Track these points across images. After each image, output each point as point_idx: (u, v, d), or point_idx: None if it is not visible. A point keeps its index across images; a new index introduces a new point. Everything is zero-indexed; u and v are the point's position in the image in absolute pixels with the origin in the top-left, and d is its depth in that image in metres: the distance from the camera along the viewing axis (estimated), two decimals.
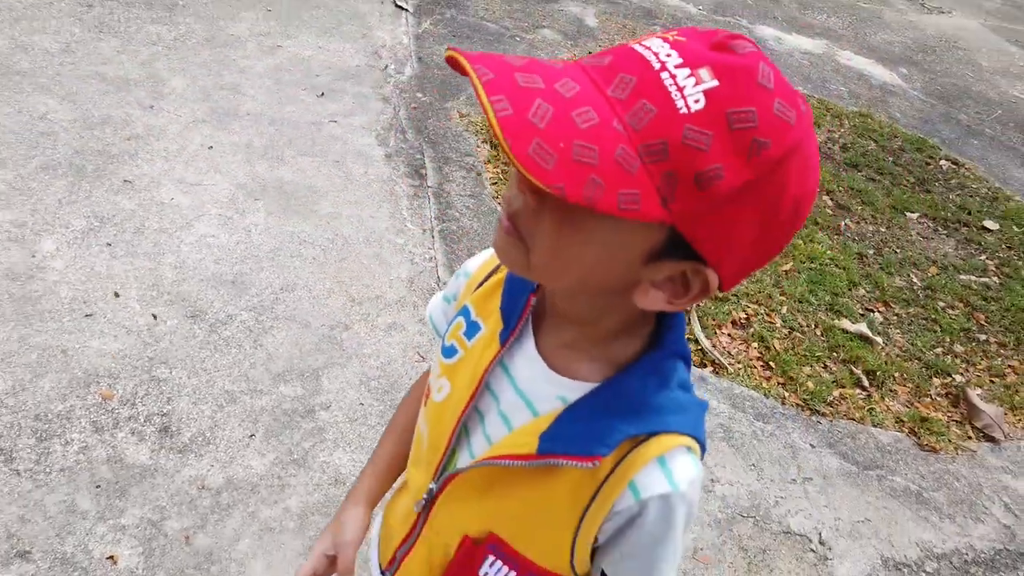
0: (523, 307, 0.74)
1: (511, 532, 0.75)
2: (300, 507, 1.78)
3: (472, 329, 0.80)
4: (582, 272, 0.62)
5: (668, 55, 0.54)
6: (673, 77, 0.53)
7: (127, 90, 2.95)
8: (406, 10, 4.08)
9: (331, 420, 1.99)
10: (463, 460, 0.78)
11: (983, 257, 3.44)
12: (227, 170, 2.71)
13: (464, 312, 0.82)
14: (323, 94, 3.24)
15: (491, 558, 0.76)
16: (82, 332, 2.04)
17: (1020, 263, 3.45)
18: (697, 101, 0.52)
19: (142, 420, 1.87)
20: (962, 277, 3.27)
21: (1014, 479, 2.39)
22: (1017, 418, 2.63)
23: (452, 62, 0.55)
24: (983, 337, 2.96)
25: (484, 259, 0.85)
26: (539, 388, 0.72)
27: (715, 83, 0.53)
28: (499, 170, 3.07)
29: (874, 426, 2.45)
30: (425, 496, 0.81)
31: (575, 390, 0.70)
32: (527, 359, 0.74)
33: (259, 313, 2.23)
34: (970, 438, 2.50)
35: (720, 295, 2.78)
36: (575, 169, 0.51)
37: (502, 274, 0.80)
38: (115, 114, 2.81)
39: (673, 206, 0.54)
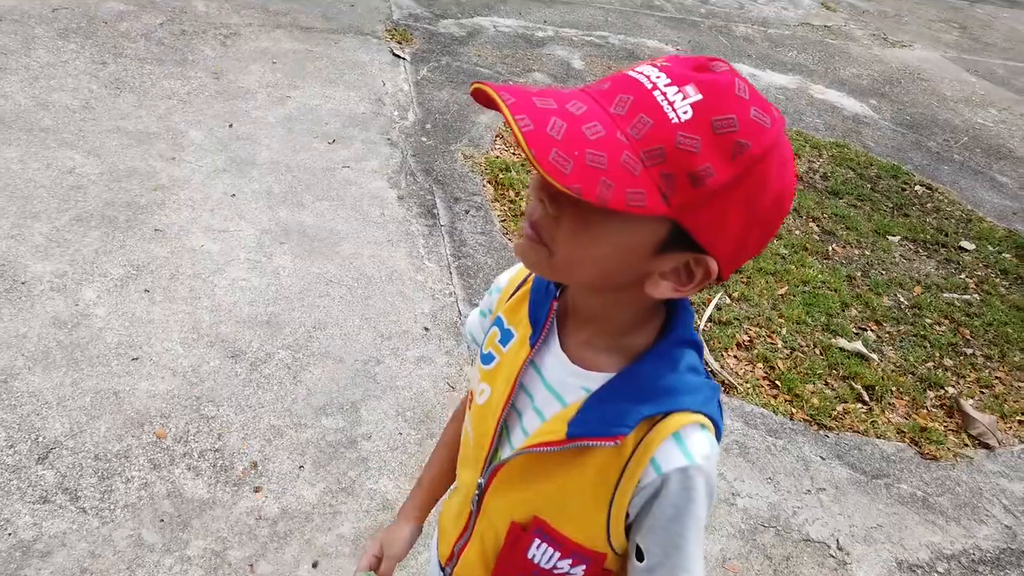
0: (547, 312, 0.84)
1: (552, 514, 0.83)
2: (353, 533, 1.88)
3: (506, 336, 0.89)
4: (598, 268, 0.71)
5: (658, 77, 0.65)
6: (664, 94, 0.64)
7: (149, 143, 3.06)
8: (404, 59, 4.26)
9: (373, 449, 2.09)
10: (505, 454, 0.86)
11: (963, 275, 3.64)
12: (251, 216, 2.82)
13: (498, 322, 0.92)
14: (334, 141, 3.38)
15: (537, 541, 0.84)
16: (130, 375, 2.13)
17: (997, 280, 3.65)
18: (686, 112, 0.62)
19: (196, 456, 1.96)
20: (945, 295, 3.46)
21: (1010, 483, 2.54)
22: (1008, 425, 2.79)
23: (477, 94, 0.65)
24: (969, 351, 3.13)
25: (512, 273, 0.96)
26: (565, 381, 0.81)
27: (700, 96, 0.63)
28: (505, 208, 3.22)
29: (877, 437, 2.59)
30: (476, 492, 0.90)
31: (596, 380, 0.79)
32: (554, 357, 0.83)
33: (295, 351, 2.33)
34: (967, 445, 2.65)
35: (725, 307, 2.93)
36: (589, 173, 0.60)
37: (528, 285, 0.90)
38: (139, 166, 2.92)
39: (673, 201, 0.63)
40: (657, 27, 5.60)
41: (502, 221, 3.14)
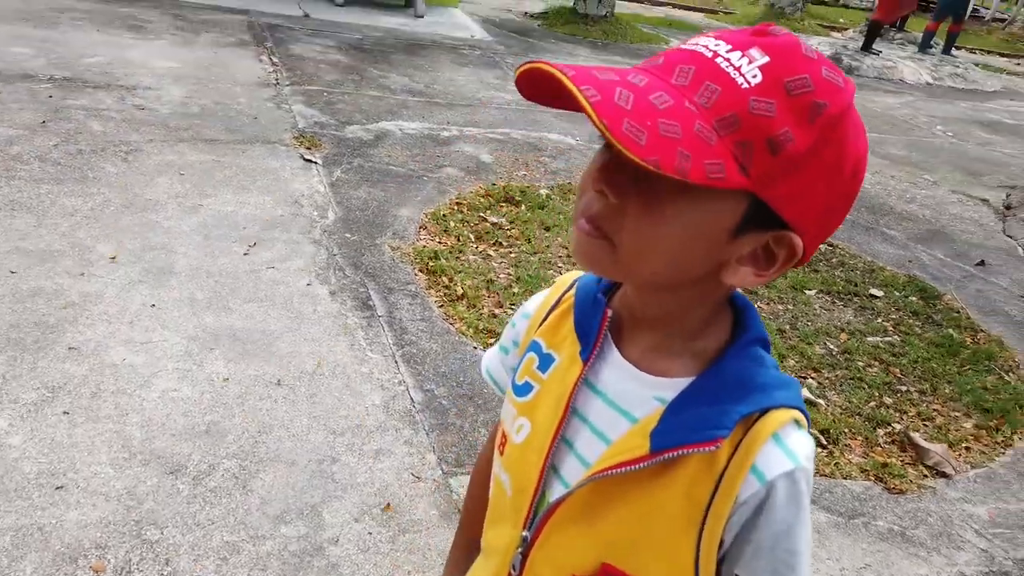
0: (600, 322, 0.74)
1: (626, 557, 0.71)
2: None
3: (546, 362, 0.79)
4: (670, 257, 0.63)
5: (717, 45, 0.60)
6: (728, 60, 0.59)
7: (53, 261, 2.85)
8: (316, 163, 4.23)
9: (343, 554, 1.90)
10: (556, 496, 0.74)
11: (880, 320, 3.81)
12: (175, 326, 2.63)
13: (534, 347, 0.81)
14: (254, 244, 3.26)
15: None
16: (56, 506, 1.87)
17: (911, 321, 3.84)
18: (755, 76, 0.58)
19: None
20: (869, 339, 3.59)
21: (974, 507, 2.57)
22: (957, 452, 2.86)
23: (528, 76, 0.60)
24: (904, 388, 3.23)
25: (542, 298, 0.86)
26: (633, 394, 0.72)
27: (767, 59, 0.58)
28: (441, 294, 3.15)
29: (844, 478, 2.59)
30: (518, 550, 0.77)
31: (672, 387, 0.70)
32: (615, 369, 0.73)
33: (241, 459, 2.13)
34: (927, 476, 2.69)
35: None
36: (665, 143, 0.55)
37: (567, 303, 0.80)
38: (45, 285, 2.70)
39: (752, 172, 0.58)
40: (555, 122, 5.84)
41: (440, 307, 3.06)
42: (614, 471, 0.69)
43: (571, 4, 10.61)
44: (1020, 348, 3.68)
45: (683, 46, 0.63)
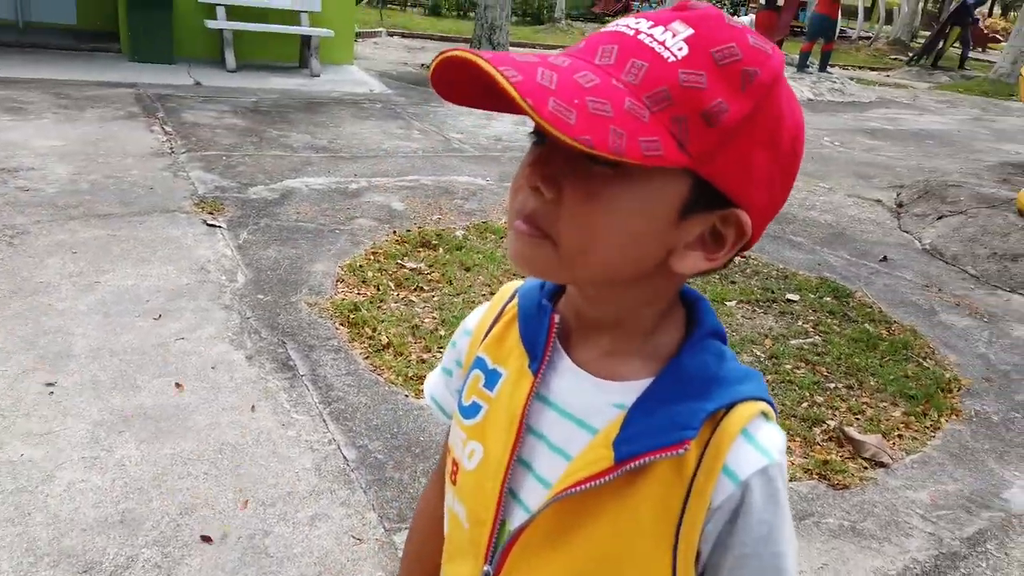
0: (547, 329, 0.70)
1: None
2: None
3: (492, 378, 0.74)
4: (616, 248, 0.60)
5: (638, 22, 0.59)
6: (651, 36, 0.57)
7: None
8: (220, 227, 4.07)
9: None
10: (516, 523, 0.70)
11: (800, 323, 3.90)
12: (78, 411, 2.44)
13: (478, 364, 0.76)
14: (160, 316, 3.08)
15: None
16: None
17: (829, 321, 3.95)
18: (680, 49, 0.56)
19: None
20: (792, 342, 3.67)
21: (916, 492, 2.61)
22: (891, 442, 2.91)
23: (441, 69, 0.56)
24: (832, 385, 3.29)
25: (483, 312, 0.82)
26: (590, 402, 0.68)
27: (691, 31, 0.56)
28: (365, 345, 3.04)
29: (790, 481, 2.59)
30: None
31: (630, 391, 0.66)
32: (569, 378, 0.69)
33: (163, 546, 1.96)
34: (866, 468, 2.72)
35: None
36: (596, 121, 0.51)
37: (510, 314, 0.77)
38: None
39: (690, 148, 0.55)
40: (463, 165, 5.84)
41: (365, 358, 2.95)
42: (578, 488, 0.64)
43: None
44: (932, 335, 3.83)
45: (604, 29, 0.60)
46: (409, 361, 2.95)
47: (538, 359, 0.70)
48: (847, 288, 4.32)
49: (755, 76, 0.56)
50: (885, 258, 4.92)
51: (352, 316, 3.22)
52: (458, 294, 3.57)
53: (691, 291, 0.71)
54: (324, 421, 2.53)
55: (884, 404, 3.16)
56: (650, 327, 0.68)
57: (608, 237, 0.59)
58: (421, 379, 2.82)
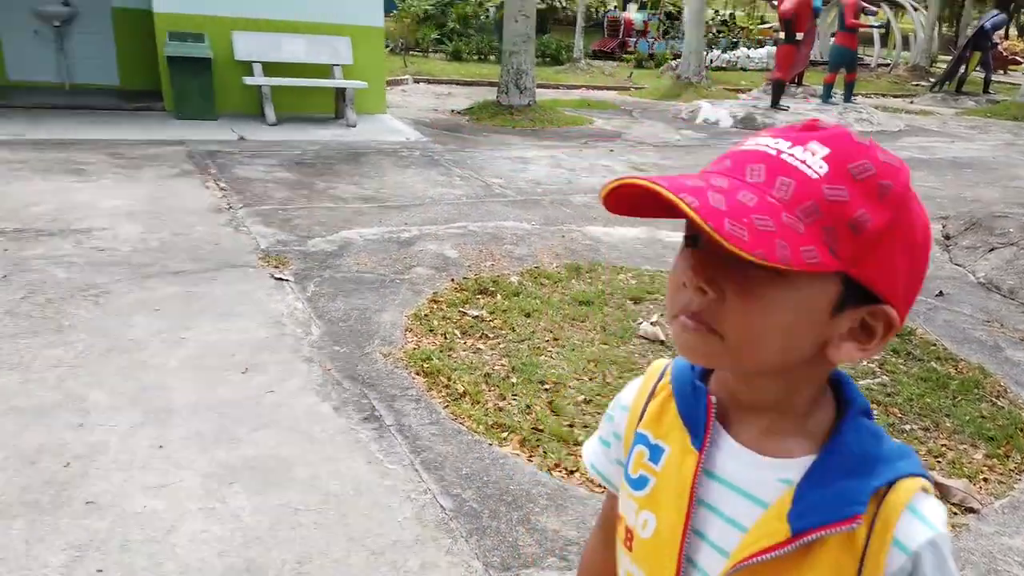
0: (706, 409, 0.77)
1: None
2: None
3: (656, 453, 0.81)
4: (779, 342, 0.67)
5: (777, 142, 0.67)
6: (792, 155, 0.65)
7: (50, 416, 2.78)
8: (288, 280, 4.25)
9: None
10: None
11: (865, 362, 3.94)
12: (188, 464, 2.59)
13: (640, 439, 0.83)
14: (247, 370, 3.24)
15: None
16: None
17: (894, 360, 3.88)
18: (821, 167, 0.64)
19: None
20: (862, 382, 3.70)
21: (1011, 539, 2.57)
22: (977, 486, 2.87)
23: (615, 194, 0.65)
24: (907, 427, 3.22)
25: (636, 389, 0.88)
26: (757, 478, 0.74)
27: (828, 150, 0.64)
28: (443, 394, 3.18)
29: None
30: None
31: (795, 468, 0.72)
32: (732, 455, 0.75)
33: None
34: (956, 513, 2.67)
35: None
36: (764, 237, 0.60)
37: (664, 392, 0.83)
38: (47, 442, 2.63)
39: (841, 254, 0.63)
40: (506, 210, 6.02)
41: (445, 407, 3.09)
42: (758, 559, 0.71)
43: (494, 97, 11.07)
44: (1001, 373, 3.78)
45: (743, 147, 0.69)
46: (487, 409, 3.08)
47: (700, 436, 0.77)
48: (907, 325, 4.36)
49: (890, 188, 0.65)
50: (941, 293, 4.83)
51: (426, 366, 3.36)
52: (522, 340, 3.71)
53: (835, 370, 0.77)
54: (416, 471, 2.67)
55: (964, 446, 3.08)
56: (806, 408, 0.75)
57: (772, 332, 0.67)
58: (501, 427, 2.95)
